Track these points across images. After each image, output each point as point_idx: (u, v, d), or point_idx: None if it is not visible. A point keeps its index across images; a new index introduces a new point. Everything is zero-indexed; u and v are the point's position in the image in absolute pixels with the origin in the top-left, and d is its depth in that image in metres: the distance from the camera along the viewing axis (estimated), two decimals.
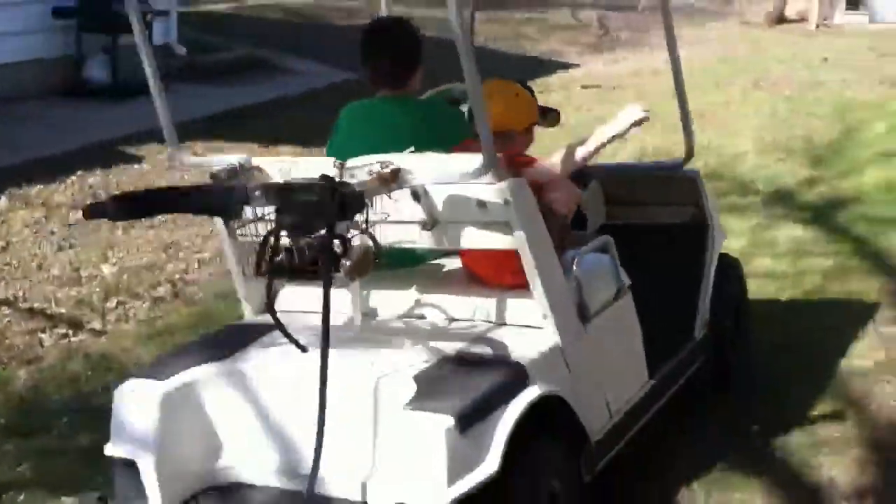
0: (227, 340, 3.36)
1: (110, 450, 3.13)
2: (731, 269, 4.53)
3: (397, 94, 3.66)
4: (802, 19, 21.00)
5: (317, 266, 2.73)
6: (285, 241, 2.75)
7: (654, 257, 3.95)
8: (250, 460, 3.10)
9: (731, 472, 3.82)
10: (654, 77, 15.14)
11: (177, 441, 3.05)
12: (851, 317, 5.21)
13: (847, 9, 21.50)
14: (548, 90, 13.97)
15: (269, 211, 2.81)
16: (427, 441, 2.66)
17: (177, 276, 6.44)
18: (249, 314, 3.64)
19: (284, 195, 2.76)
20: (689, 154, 4.36)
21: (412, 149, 3.01)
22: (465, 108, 3.78)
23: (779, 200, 7.77)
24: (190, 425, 3.10)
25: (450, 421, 2.65)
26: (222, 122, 10.99)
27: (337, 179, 2.79)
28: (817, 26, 19.49)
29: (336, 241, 2.69)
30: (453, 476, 2.64)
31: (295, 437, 3.01)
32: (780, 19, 21.41)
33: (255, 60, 14.63)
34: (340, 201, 2.67)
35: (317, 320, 2.74)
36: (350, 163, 2.98)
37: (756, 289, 5.71)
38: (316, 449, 2.69)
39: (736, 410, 4.31)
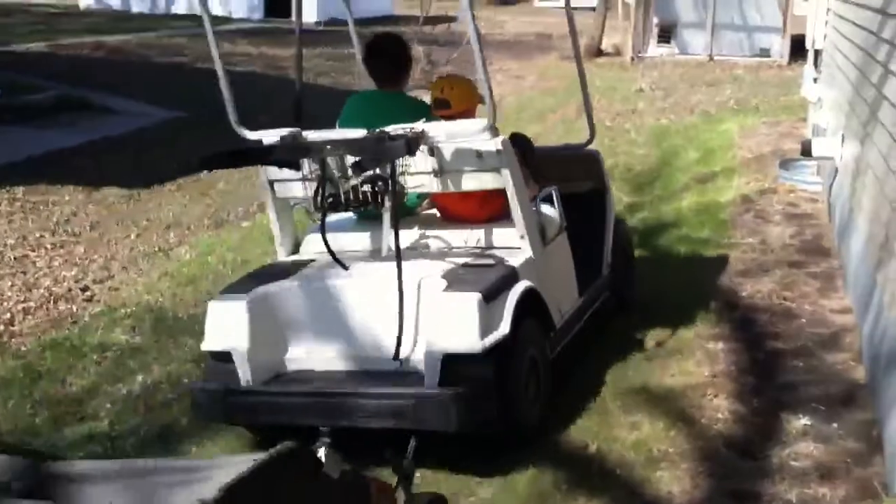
0: (277, 271, 4.56)
1: (206, 345, 4.35)
2: (621, 226, 5.93)
3: (391, 90, 4.89)
4: (618, 52, 22.03)
5: (365, 202, 4.27)
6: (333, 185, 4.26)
7: (570, 216, 4.99)
8: (311, 351, 4.29)
9: (573, 489, 3.91)
10: (481, 109, 15.45)
11: (258, 337, 4.19)
12: (678, 335, 5.43)
13: (658, 42, 22.68)
14: None
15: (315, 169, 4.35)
16: (465, 310, 3.94)
17: (1, 327, 6.14)
18: (282, 256, 4.86)
19: (361, 142, 4.18)
20: (591, 139, 5.83)
21: (424, 120, 4.31)
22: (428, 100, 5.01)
23: None
24: (266, 326, 4.24)
25: (478, 296, 3.94)
26: (42, 166, 10.53)
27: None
28: (632, 59, 20.37)
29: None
30: (482, 333, 3.93)
31: (343, 331, 4.16)
32: (598, 53, 22.31)
33: (75, 100, 14.08)
34: (407, 142, 4.02)
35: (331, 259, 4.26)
36: (388, 129, 4.19)
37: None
38: (399, 325, 4.00)
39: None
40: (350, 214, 4.75)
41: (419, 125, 4.23)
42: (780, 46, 22.20)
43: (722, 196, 8.55)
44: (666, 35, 22.87)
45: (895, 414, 3.84)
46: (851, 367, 4.89)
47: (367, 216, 4.65)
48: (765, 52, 22.43)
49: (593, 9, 25.85)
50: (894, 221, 4.50)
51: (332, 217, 4.46)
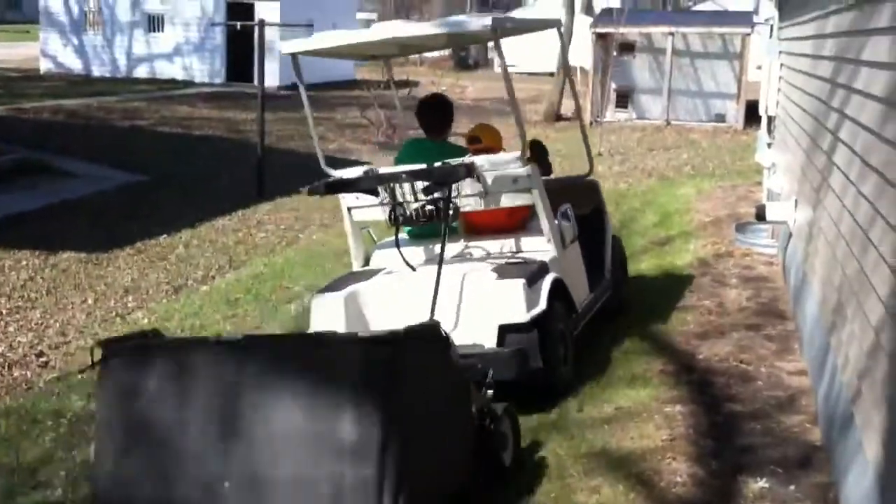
0: (359, 276, 5.86)
1: (315, 326, 5.51)
2: (617, 241, 7.27)
3: (437, 138, 6.20)
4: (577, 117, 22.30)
5: (429, 218, 5.58)
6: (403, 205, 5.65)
7: (578, 231, 6.23)
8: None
9: None
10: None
11: (350, 322, 5.42)
12: (637, 398, 5.45)
13: (617, 107, 23.09)
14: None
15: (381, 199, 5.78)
16: (514, 292, 5.22)
17: None
18: (356, 268, 6.14)
19: (430, 170, 5.43)
20: (591, 171, 7.00)
21: (469, 155, 5.73)
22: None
23: None
24: (355, 314, 5.52)
25: (523, 281, 5.26)
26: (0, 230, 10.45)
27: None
28: (591, 123, 20.68)
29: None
30: (527, 308, 5.22)
31: (413, 315, 4.72)
32: (558, 117, 22.66)
33: (35, 164, 14.04)
34: (466, 167, 5.37)
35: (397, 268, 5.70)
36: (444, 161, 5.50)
37: None
38: (433, 301, 5.03)
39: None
40: (404, 235, 6.00)
41: (469, 158, 5.63)
42: (734, 112, 22.69)
43: (679, 259, 8.66)
44: (624, 100, 23.33)
45: (851, 476, 3.87)
46: (807, 429, 4.93)
47: (419, 234, 6.01)
48: (720, 118, 22.92)
49: (552, 74, 26.27)
50: (847, 286, 4.58)
51: (390, 238, 5.90)
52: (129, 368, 3.95)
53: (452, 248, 5.72)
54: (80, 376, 6.26)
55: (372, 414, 3.53)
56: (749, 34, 22.40)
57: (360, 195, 5.97)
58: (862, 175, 4.34)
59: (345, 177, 6.03)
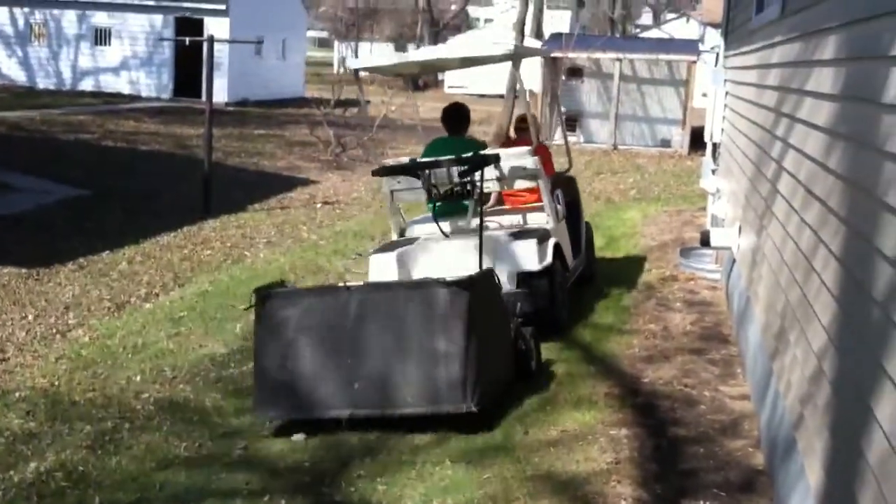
0: (402, 242, 7.50)
1: (372, 278, 6.91)
2: (588, 226, 8.96)
3: (458, 136, 7.94)
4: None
5: (461, 196, 7.23)
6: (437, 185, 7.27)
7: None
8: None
9: None
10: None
11: (400, 275, 6.88)
12: (583, 421, 5.47)
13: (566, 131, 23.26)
14: (291, 206, 14.02)
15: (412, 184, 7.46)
16: (528, 248, 6.96)
17: None
18: (395, 237, 7.80)
19: (467, 159, 7.07)
20: (570, 167, 9.05)
21: (489, 149, 7.55)
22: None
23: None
24: (404, 269, 7.04)
25: (535, 240, 6.97)
26: None
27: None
28: None
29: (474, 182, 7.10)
30: (539, 261, 6.92)
31: (448, 269, 6.15)
32: (507, 139, 22.74)
33: None
34: (495, 157, 7.18)
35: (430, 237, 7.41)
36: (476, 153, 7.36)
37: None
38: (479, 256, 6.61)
39: None
40: (427, 214, 7.87)
41: (492, 150, 7.48)
42: (680, 138, 23.02)
43: (625, 283, 8.72)
44: (572, 124, 23.53)
45: (793, 501, 3.91)
46: (750, 453, 4.98)
47: (444, 212, 7.43)
48: (666, 143, 23.23)
49: (502, 96, 26.40)
50: (789, 312, 4.65)
51: (418, 217, 8.27)
52: (279, 306, 5.60)
53: (474, 222, 7.16)
54: (17, 394, 6.14)
55: (456, 332, 5.30)
56: (695, 62, 22.78)
57: (400, 180, 7.60)
58: (805, 203, 4.42)
59: (396, 163, 7.76)
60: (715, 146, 9.94)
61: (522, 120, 8.41)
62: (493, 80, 39.24)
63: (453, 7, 57.20)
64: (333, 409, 5.43)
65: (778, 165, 5.44)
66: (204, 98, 14.66)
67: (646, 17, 63.87)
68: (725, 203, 8.72)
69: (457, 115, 8.02)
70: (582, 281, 8.32)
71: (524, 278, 6.94)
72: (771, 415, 4.79)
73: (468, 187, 7.16)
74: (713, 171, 9.82)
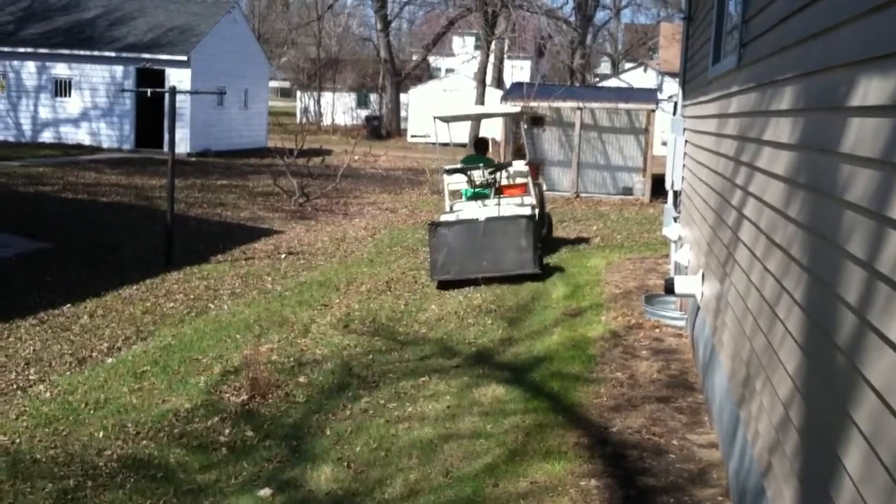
0: (448, 219, 12.37)
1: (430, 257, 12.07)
2: (549, 215, 15.26)
3: (483, 154, 14.79)
4: None
5: (489, 186, 13.41)
6: (474, 179, 13.68)
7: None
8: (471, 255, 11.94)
9: None
10: (356, 243, 15.54)
11: (448, 246, 11.73)
12: (552, 472, 5.45)
13: None
14: (255, 256, 13.95)
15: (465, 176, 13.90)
16: (526, 209, 12.84)
17: None
18: (446, 217, 12.67)
19: (497, 164, 14.28)
20: (539, 181, 15.42)
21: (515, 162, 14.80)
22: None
23: (480, 361, 8.11)
24: (453, 241, 11.72)
25: (530, 208, 13.04)
26: None
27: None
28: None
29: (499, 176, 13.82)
30: (530, 212, 12.65)
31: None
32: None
33: None
34: (509, 163, 14.69)
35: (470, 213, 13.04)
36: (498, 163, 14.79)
37: (464, 452, 5.89)
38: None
39: None
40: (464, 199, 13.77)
41: (506, 162, 14.95)
42: (641, 185, 23.26)
43: (591, 331, 8.76)
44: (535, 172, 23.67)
45: None
46: (720, 502, 4.98)
47: (475, 196, 13.34)
48: (627, 191, 23.45)
49: (465, 145, 26.57)
50: (754, 359, 4.68)
51: (459, 201, 13.70)
52: (442, 228, 11.75)
53: (493, 201, 12.91)
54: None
55: (529, 234, 11.57)
56: (654, 110, 23.10)
57: (455, 176, 13.69)
58: (767, 252, 4.47)
59: (453, 167, 13.78)
60: (676, 194, 10.05)
61: (518, 150, 14.24)
62: (455, 129, 39.38)
63: (415, 57, 57.68)
64: (473, 273, 11.52)
65: (739, 214, 5.51)
66: (166, 149, 14.61)
67: (605, 67, 64.86)
68: (688, 251, 8.81)
69: (482, 142, 15.83)
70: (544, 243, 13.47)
71: (528, 222, 11.93)
72: (739, 463, 4.80)
73: (490, 181, 13.31)
74: (675, 219, 9.92)
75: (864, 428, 2.69)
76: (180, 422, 6.63)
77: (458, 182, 13.68)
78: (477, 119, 20.40)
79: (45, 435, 6.39)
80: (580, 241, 15.33)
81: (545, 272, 11.92)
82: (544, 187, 15.08)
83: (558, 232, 16.15)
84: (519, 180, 13.72)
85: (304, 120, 50.38)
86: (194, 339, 8.98)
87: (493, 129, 26.86)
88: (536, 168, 14.33)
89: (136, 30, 31.95)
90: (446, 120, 15.12)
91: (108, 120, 30.99)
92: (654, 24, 59.38)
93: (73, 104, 31.10)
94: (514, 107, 16.14)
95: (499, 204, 12.61)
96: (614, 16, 58.75)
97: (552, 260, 13.16)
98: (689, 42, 10.44)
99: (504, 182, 13.52)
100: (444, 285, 11.53)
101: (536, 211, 12.86)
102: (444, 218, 12.56)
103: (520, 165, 13.98)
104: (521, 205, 12.90)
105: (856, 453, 2.76)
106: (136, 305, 10.53)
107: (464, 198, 13.56)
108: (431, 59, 58.94)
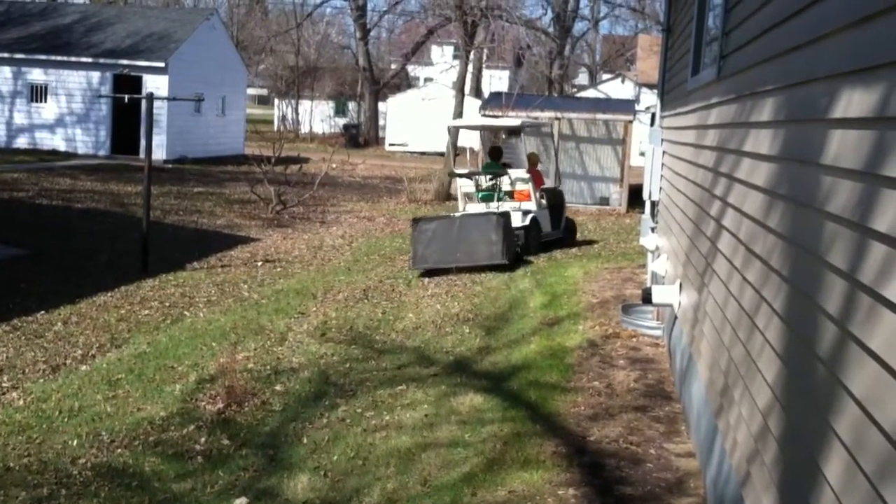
0: (442, 216, 14.36)
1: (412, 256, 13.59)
2: (571, 221, 17.26)
3: (497, 161, 16.27)
4: None
5: (493, 189, 15.48)
6: (480, 183, 15.83)
7: (553, 208, 16.32)
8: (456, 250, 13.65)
9: None
10: (334, 251, 15.49)
11: (423, 243, 13.35)
12: (530, 481, 5.44)
13: None
14: (231, 264, 13.87)
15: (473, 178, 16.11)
16: (495, 215, 13.51)
17: None
18: (461, 208, 15.73)
19: (502, 171, 15.76)
20: (559, 183, 18.59)
21: (511, 170, 16.23)
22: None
23: (458, 370, 8.09)
24: (428, 237, 13.30)
25: (532, 213, 15.32)
26: None
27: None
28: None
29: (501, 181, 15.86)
30: (521, 220, 15.02)
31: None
32: (447, 197, 22.92)
33: None
34: (506, 172, 15.76)
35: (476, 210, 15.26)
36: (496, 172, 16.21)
37: (442, 461, 5.87)
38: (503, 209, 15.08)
39: None
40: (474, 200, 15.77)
41: (509, 170, 15.93)
42: (618, 195, 23.35)
43: (568, 340, 8.76)
44: None
45: None
46: None
47: (483, 198, 15.35)
48: (604, 201, 23.54)
49: (442, 154, 26.57)
50: (733, 369, 4.69)
51: (471, 203, 15.60)
52: (423, 223, 13.33)
53: (495, 204, 14.81)
54: None
55: (500, 229, 13.02)
56: (631, 121, 23.20)
57: (466, 179, 15.59)
58: (746, 262, 4.49)
59: (463, 171, 16.15)
60: (653, 204, 10.09)
61: (529, 159, 16.58)
62: (434, 137, 39.58)
63: (393, 66, 57.70)
64: (449, 263, 12.84)
65: (718, 224, 5.52)
66: (142, 155, 14.52)
67: (582, 77, 65.12)
68: (665, 260, 8.83)
69: (496, 151, 16.80)
70: (562, 240, 16.09)
71: (516, 228, 14.08)
72: (717, 473, 4.80)
73: (492, 185, 15.29)
74: (652, 229, 9.95)
75: (845, 437, 2.69)
76: (155, 430, 6.57)
77: (467, 186, 15.67)
78: (484, 130, 21.21)
79: (19, 443, 6.31)
80: (558, 250, 15.36)
81: (541, 272, 12.29)
82: (563, 196, 17.14)
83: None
84: (519, 185, 15.44)
85: (282, 128, 50.23)
86: (169, 346, 8.92)
87: (471, 139, 26.87)
88: (540, 175, 16.30)
89: (114, 36, 31.77)
90: (465, 128, 19.67)
91: (84, 126, 30.78)
92: (631, 35, 59.76)
93: (48, 110, 30.87)
94: (516, 119, 18.80)
95: (499, 206, 14.83)
96: (592, 27, 59.03)
97: (529, 269, 13.17)
98: (667, 53, 10.49)
99: (507, 188, 15.45)
100: (426, 286, 11.49)
101: (529, 216, 14.90)
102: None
103: (520, 173, 15.64)
104: (518, 208, 15.01)
105: (836, 462, 2.77)
106: (111, 312, 10.44)
107: (476, 199, 15.55)
108: (410, 68, 59.00)
